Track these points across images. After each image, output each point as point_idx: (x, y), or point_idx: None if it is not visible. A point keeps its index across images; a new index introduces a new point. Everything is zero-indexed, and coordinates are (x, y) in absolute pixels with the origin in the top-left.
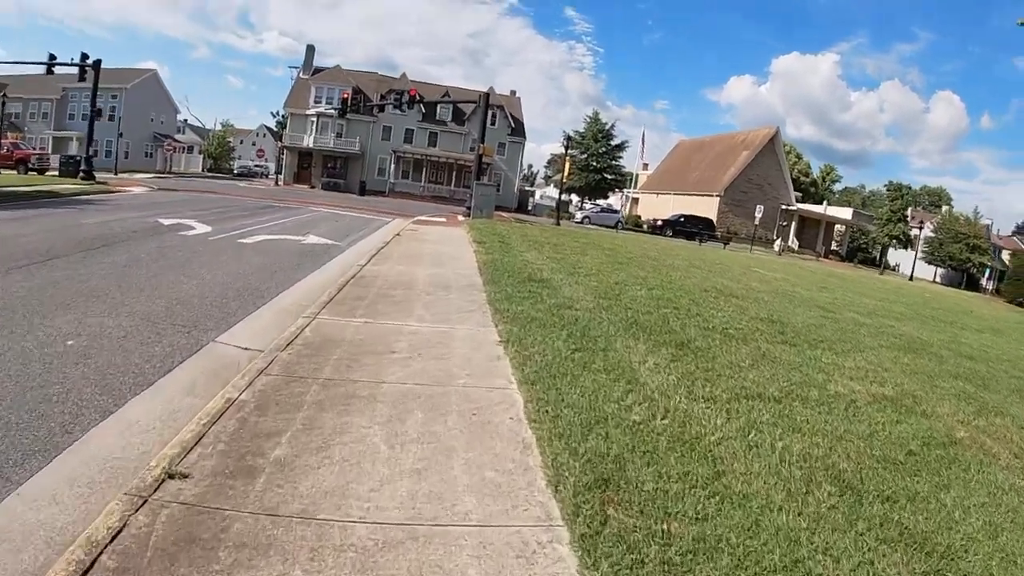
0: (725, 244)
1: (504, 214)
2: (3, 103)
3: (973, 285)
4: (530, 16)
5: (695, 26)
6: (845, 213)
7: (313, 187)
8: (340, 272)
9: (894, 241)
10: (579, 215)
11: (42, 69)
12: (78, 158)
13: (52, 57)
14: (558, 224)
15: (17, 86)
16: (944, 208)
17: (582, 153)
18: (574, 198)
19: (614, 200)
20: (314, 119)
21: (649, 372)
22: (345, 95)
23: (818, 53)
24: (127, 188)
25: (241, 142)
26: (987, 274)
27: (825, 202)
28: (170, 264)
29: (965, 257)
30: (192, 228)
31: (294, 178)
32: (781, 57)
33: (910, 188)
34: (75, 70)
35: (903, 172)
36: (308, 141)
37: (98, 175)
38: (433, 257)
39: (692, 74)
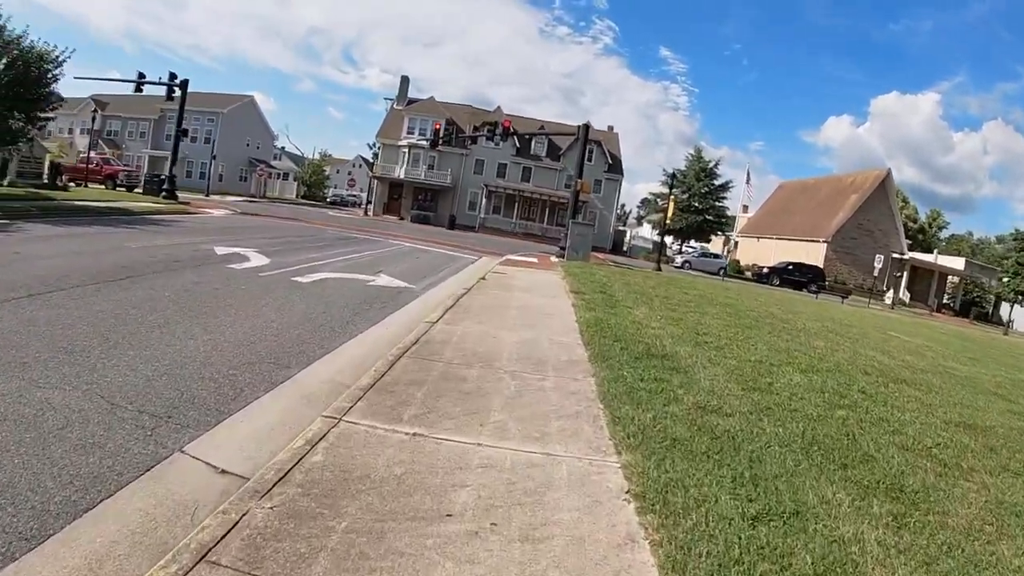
0: (844, 298)
1: (599, 255)
2: (93, 119)
3: None
4: (625, 56)
5: (790, 66)
6: (957, 263)
7: (402, 219)
8: (403, 330)
9: (1021, 297)
10: (679, 259)
11: (146, 90)
12: (162, 176)
13: (141, 76)
14: (659, 269)
15: (118, 105)
16: None
17: (683, 192)
18: (667, 239)
19: (715, 243)
20: (406, 150)
21: (883, 572)
22: (437, 125)
23: (918, 93)
24: (207, 210)
25: (337, 172)
26: None
27: (935, 251)
28: (192, 308)
29: None
30: (247, 260)
31: (383, 209)
32: (880, 97)
33: None
34: (174, 91)
35: (1008, 218)
36: (399, 172)
37: (190, 196)
38: (522, 312)
39: (788, 115)
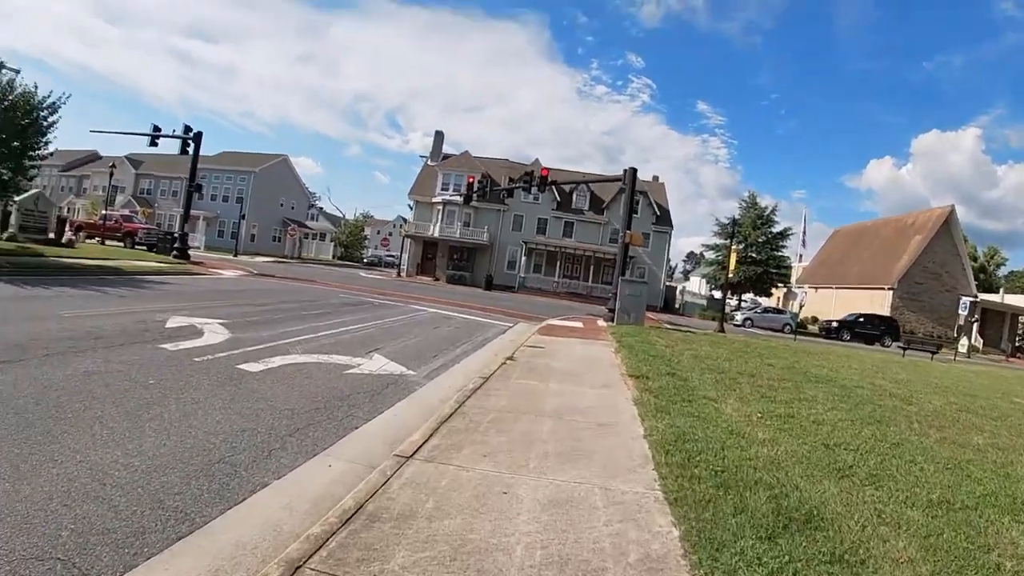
0: (933, 355)
1: (651, 316)
2: (111, 175)
3: None
4: (663, 112)
5: (828, 112)
6: None
7: (437, 279)
8: (354, 471)
9: None
10: (739, 316)
11: (180, 148)
12: (175, 235)
13: (156, 128)
14: (722, 330)
15: (152, 164)
16: None
17: (739, 243)
18: (715, 293)
19: (775, 297)
20: (440, 207)
21: None
22: (471, 179)
23: (958, 129)
24: (219, 270)
25: (378, 232)
26: None
27: (1001, 290)
28: (38, 421)
29: None
30: (198, 336)
31: (417, 269)
32: (921, 136)
33: None
34: (208, 151)
35: None
36: (433, 230)
37: (217, 256)
38: (560, 423)
39: (829, 161)
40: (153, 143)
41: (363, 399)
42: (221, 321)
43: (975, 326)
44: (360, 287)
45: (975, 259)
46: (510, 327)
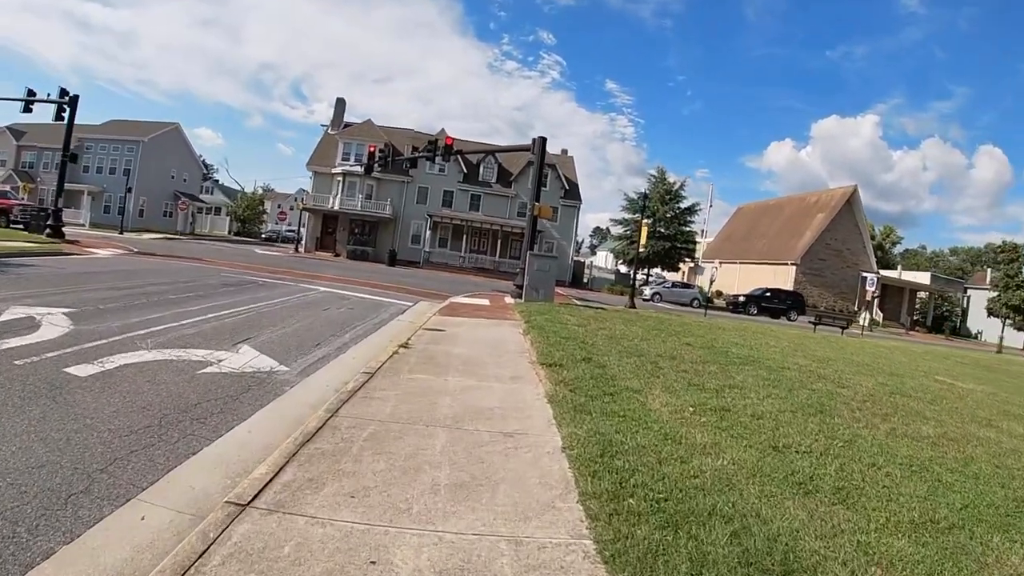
0: (843, 329)
1: (561, 291)
2: None
3: None
4: (573, 90)
5: (733, 95)
6: (923, 278)
7: (338, 255)
8: (161, 539)
9: (1010, 311)
10: (648, 291)
11: (62, 117)
12: (49, 211)
13: (31, 93)
14: (633, 306)
15: (35, 135)
16: None
17: (648, 217)
18: (622, 268)
19: (681, 272)
20: (340, 178)
21: None
22: (372, 148)
23: (857, 116)
24: (95, 249)
25: (279, 206)
26: None
27: (899, 267)
28: None
29: None
30: (32, 331)
31: (317, 244)
32: (820, 121)
33: None
34: (94, 119)
35: (946, 231)
36: (333, 203)
37: (103, 233)
38: (457, 434)
39: (732, 142)
40: (27, 109)
41: (213, 409)
42: (67, 310)
43: (876, 300)
44: (250, 265)
45: (873, 237)
46: (410, 307)
